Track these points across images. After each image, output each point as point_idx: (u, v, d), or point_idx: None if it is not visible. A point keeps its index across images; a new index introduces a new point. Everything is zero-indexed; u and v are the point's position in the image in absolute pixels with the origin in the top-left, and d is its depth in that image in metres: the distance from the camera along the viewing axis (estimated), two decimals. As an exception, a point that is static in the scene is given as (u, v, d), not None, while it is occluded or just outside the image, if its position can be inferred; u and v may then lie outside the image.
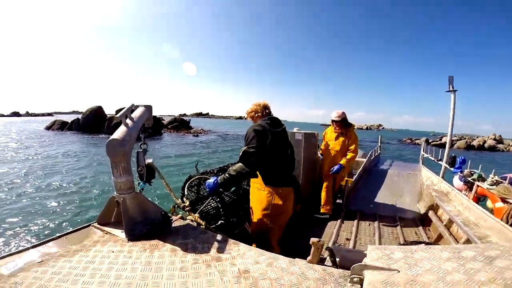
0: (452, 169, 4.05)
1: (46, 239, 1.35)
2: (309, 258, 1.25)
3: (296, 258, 1.26)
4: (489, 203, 3.49)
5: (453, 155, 4.19)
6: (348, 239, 2.94)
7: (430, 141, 30.05)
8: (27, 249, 1.26)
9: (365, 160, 5.22)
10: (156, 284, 1.04)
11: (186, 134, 30.60)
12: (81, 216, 5.52)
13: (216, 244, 1.38)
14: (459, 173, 3.89)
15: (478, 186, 3.22)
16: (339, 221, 3.34)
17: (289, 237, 2.67)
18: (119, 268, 1.13)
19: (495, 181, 3.20)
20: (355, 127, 3.63)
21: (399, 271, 0.90)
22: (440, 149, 4.75)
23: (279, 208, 1.89)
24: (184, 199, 2.03)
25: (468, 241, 2.31)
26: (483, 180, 3.35)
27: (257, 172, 1.90)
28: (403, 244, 2.78)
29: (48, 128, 29.80)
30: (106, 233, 1.47)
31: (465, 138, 33.08)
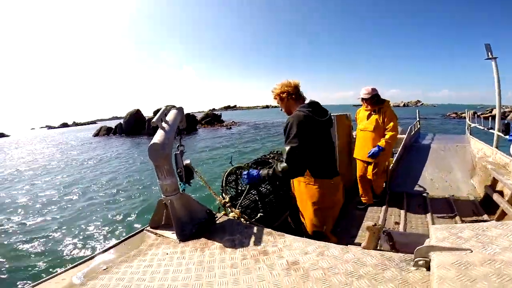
0: (507, 137, 3.52)
1: (107, 247, 1.45)
2: (363, 244, 1.18)
3: (349, 245, 1.18)
4: None
5: (506, 121, 3.63)
6: (397, 223, 2.74)
7: (478, 113, 26.46)
8: (92, 257, 1.35)
9: (404, 136, 4.73)
10: (209, 284, 1.04)
11: (219, 128, 31.67)
12: (138, 219, 6.13)
13: (261, 238, 1.36)
14: None
15: None
16: (384, 206, 3.11)
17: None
18: (175, 270, 1.16)
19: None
20: (391, 104, 3.11)
21: (472, 251, 0.81)
22: (490, 121, 4.13)
23: (333, 201, 1.77)
24: (224, 195, 2.03)
25: None
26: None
27: None
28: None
29: (96, 134, 33.10)
30: (159, 236, 1.52)
31: (519, 109, 28.61)
